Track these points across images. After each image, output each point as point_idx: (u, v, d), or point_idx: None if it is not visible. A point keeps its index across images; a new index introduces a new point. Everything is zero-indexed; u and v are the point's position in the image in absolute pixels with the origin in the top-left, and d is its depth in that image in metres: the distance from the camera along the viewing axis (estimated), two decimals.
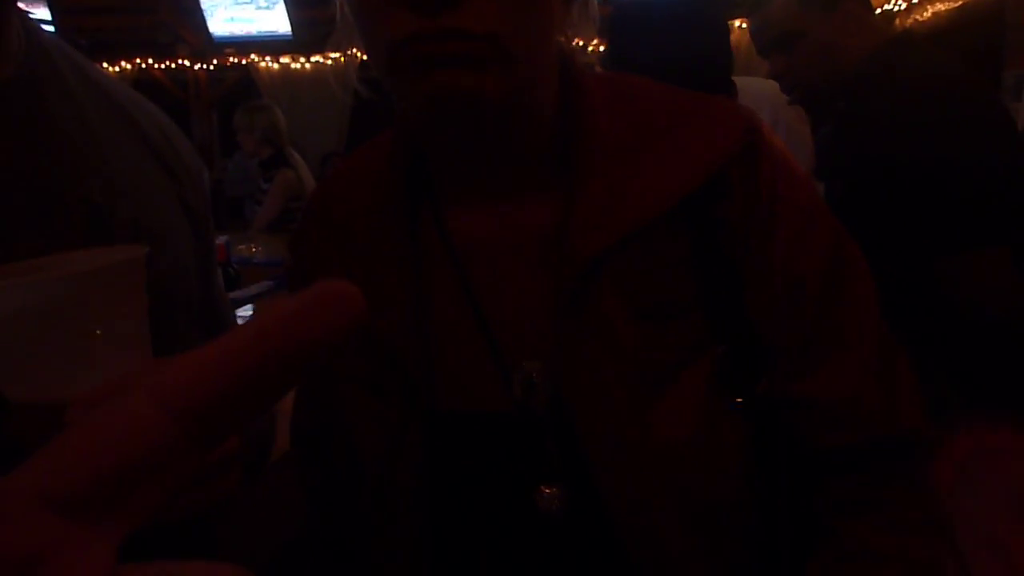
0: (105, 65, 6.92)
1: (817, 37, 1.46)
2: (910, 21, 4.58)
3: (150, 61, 7.03)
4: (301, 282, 0.76)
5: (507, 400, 0.63)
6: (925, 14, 4.42)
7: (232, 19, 6.27)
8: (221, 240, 1.97)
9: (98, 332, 0.44)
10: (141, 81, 7.03)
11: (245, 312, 2.19)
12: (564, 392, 0.62)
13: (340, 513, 0.80)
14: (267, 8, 6.07)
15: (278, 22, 6.10)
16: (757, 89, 1.83)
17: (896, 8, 4.51)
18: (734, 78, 1.50)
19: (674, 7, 1.33)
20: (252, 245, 3.24)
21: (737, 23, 4.18)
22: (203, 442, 0.18)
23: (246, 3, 6.10)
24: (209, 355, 0.18)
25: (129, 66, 7.00)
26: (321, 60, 6.60)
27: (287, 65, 6.73)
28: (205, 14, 6.26)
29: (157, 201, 0.67)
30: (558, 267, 0.62)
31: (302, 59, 6.65)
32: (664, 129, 0.63)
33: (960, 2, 4.06)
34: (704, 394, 0.62)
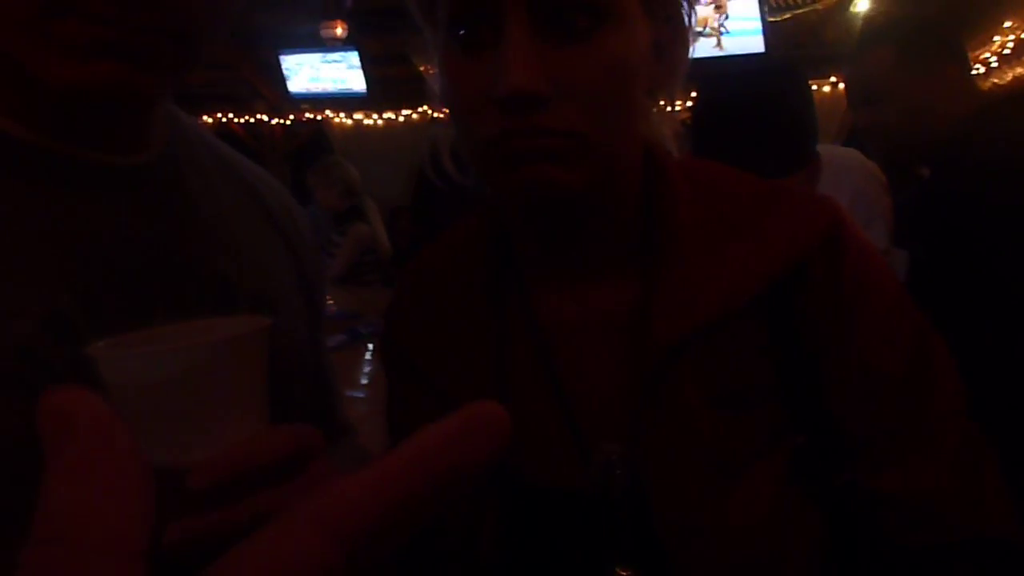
0: None
1: (908, 98, 1.42)
2: (988, 84, 4.51)
3: (230, 115, 7.34)
4: (392, 353, 0.77)
5: (584, 479, 0.64)
6: (1005, 77, 4.34)
7: (311, 78, 6.53)
8: None
9: (225, 400, 0.45)
10: (220, 134, 7.34)
11: None
12: (641, 475, 0.62)
13: None
14: (344, 67, 6.30)
15: (354, 80, 6.32)
16: (840, 158, 1.81)
17: (975, 71, 4.44)
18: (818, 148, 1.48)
19: (760, 78, 1.32)
20: (326, 297, 3.30)
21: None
22: (363, 568, 0.18)
23: (325, 63, 6.34)
24: (369, 480, 0.18)
25: (210, 120, 7.32)
26: (393, 116, 6.80)
27: (360, 121, 6.96)
28: (285, 73, 6.53)
29: (277, 274, 0.69)
30: (639, 352, 0.62)
31: (374, 115, 6.87)
32: (746, 219, 0.64)
33: None
34: (780, 483, 0.62)
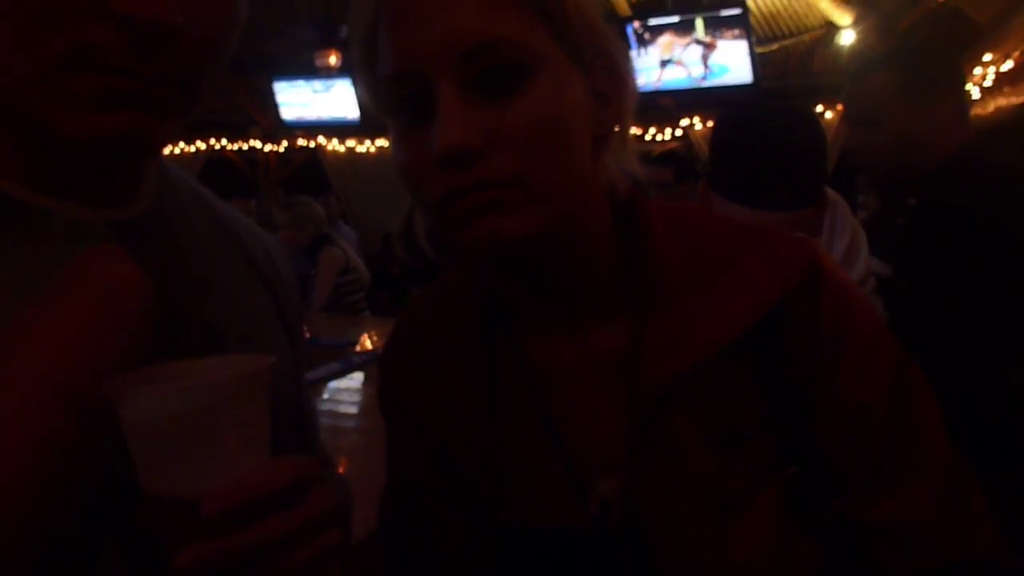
0: (182, 144, 7.30)
1: (902, 127, 1.44)
2: (973, 115, 4.58)
3: (224, 142, 7.38)
4: (391, 404, 0.79)
5: (581, 516, 0.65)
6: (988, 108, 4.42)
7: (304, 104, 6.58)
8: None
9: (234, 432, 0.47)
10: (214, 161, 7.38)
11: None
12: (639, 512, 0.64)
13: None
14: (336, 95, 6.36)
15: (346, 107, 6.38)
16: (836, 196, 1.83)
17: None
18: None
19: (788, 115, 1.30)
20: (313, 327, 3.30)
21: None
22: None
23: (318, 91, 6.40)
24: None
25: (204, 146, 7.36)
26: (385, 144, 6.82)
27: (353, 148, 7.01)
28: (278, 101, 6.58)
29: (261, 318, 0.72)
30: (631, 394, 0.64)
31: (367, 142, 6.92)
32: (728, 261, 0.66)
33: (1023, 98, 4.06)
34: (777, 515, 0.63)
